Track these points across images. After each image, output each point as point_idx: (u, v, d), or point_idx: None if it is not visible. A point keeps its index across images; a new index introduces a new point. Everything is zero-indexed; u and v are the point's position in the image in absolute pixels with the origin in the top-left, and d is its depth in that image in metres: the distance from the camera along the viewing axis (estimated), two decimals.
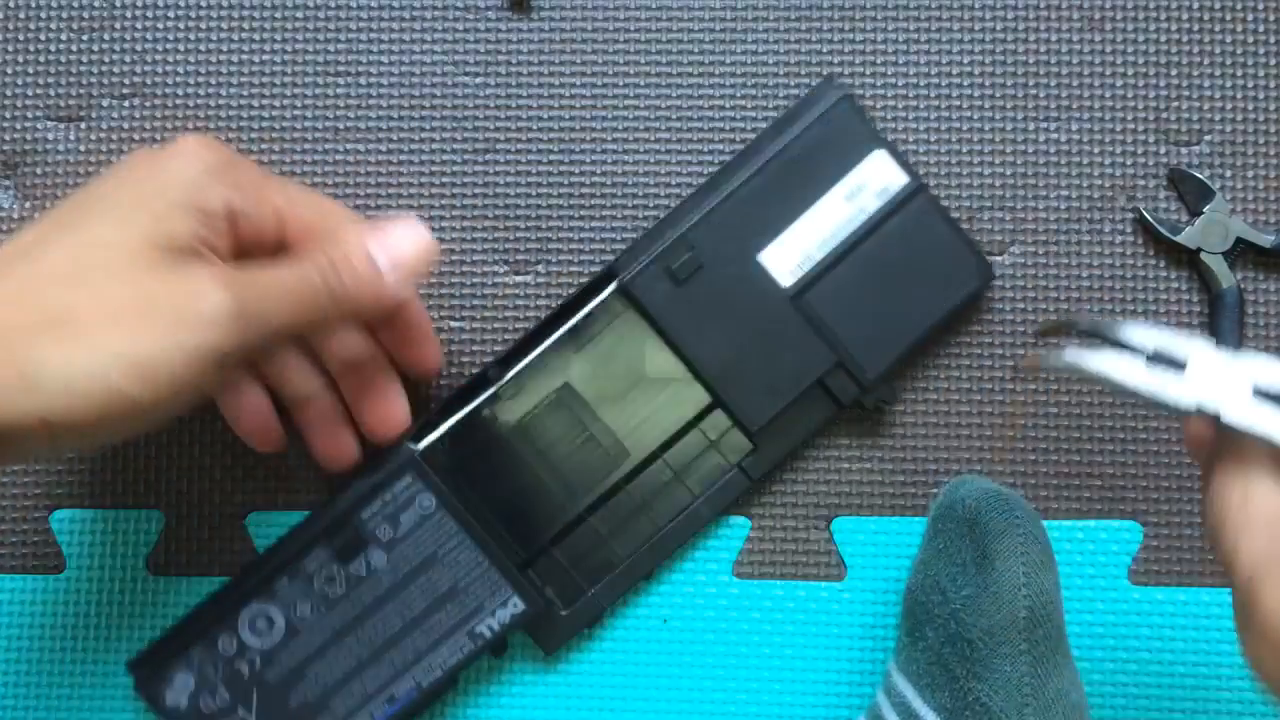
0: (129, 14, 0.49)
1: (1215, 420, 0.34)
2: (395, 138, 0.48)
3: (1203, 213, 0.47)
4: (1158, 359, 0.35)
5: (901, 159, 0.45)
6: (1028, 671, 0.40)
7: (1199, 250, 0.47)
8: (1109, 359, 0.35)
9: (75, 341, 0.33)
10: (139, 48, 0.49)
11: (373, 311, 0.39)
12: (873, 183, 0.45)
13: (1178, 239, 0.47)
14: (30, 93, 0.49)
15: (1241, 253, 0.47)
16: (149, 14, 0.49)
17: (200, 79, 0.48)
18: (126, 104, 0.48)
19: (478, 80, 0.48)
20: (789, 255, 0.44)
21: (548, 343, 0.45)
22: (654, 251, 0.44)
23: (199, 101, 0.48)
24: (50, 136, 0.48)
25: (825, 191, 0.44)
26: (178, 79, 0.49)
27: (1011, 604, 0.41)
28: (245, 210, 0.37)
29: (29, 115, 0.48)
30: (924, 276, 0.45)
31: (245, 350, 0.35)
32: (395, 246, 0.39)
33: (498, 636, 0.44)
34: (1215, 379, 0.34)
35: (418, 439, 0.45)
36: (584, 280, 0.47)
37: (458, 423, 0.45)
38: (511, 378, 0.45)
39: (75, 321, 0.33)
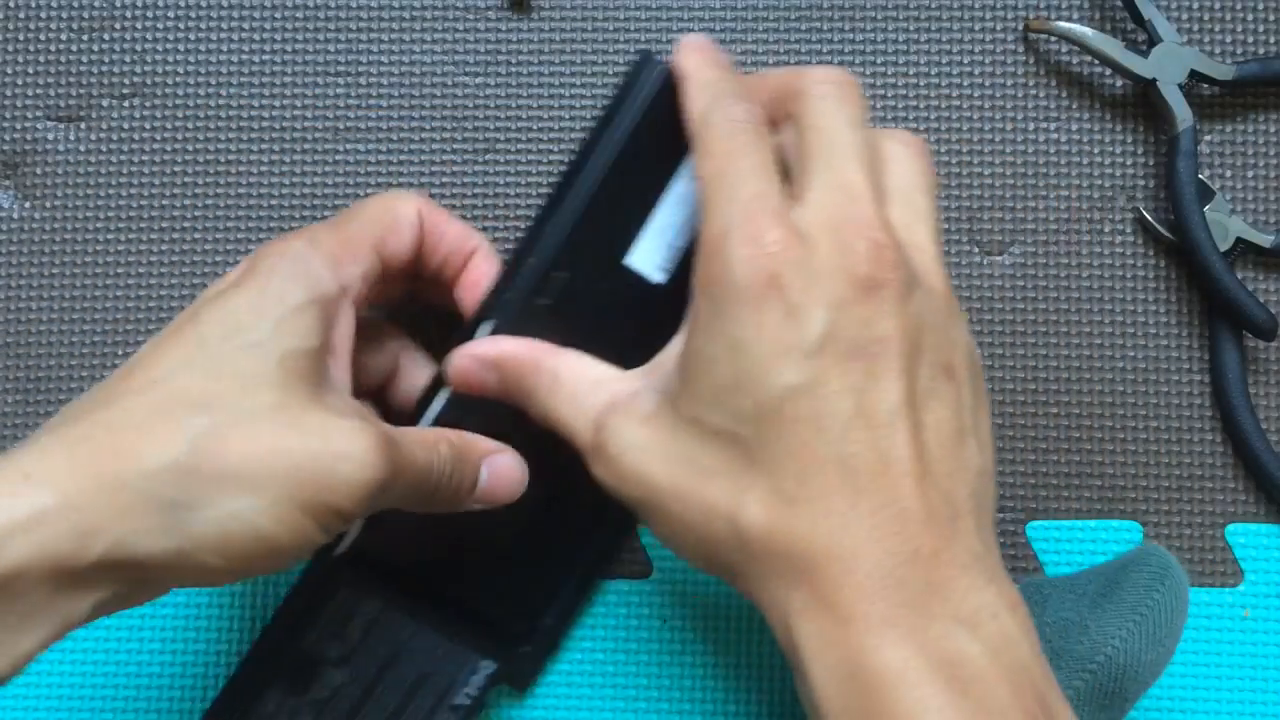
0: (129, 14, 0.49)
1: None
2: (395, 138, 0.48)
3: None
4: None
5: None
6: None
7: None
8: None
9: (229, 483, 0.31)
10: (139, 48, 0.49)
11: (435, 511, 0.38)
12: None
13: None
14: (30, 93, 0.49)
15: (1241, 253, 0.47)
16: (149, 14, 0.49)
17: (200, 79, 0.48)
18: (126, 104, 0.48)
19: (478, 80, 0.48)
20: (654, 251, 0.41)
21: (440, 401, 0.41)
22: (520, 289, 0.40)
23: (199, 101, 0.48)
24: (50, 136, 0.48)
25: (674, 175, 0.40)
26: (178, 79, 0.49)
27: (1095, 645, 0.40)
28: (354, 275, 0.37)
29: (29, 115, 0.48)
30: None
31: (370, 511, 0.35)
32: (498, 483, 0.39)
33: (478, 700, 0.43)
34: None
35: (336, 545, 0.41)
36: None
37: (374, 514, 0.41)
38: None
39: (225, 457, 0.32)
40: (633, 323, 0.40)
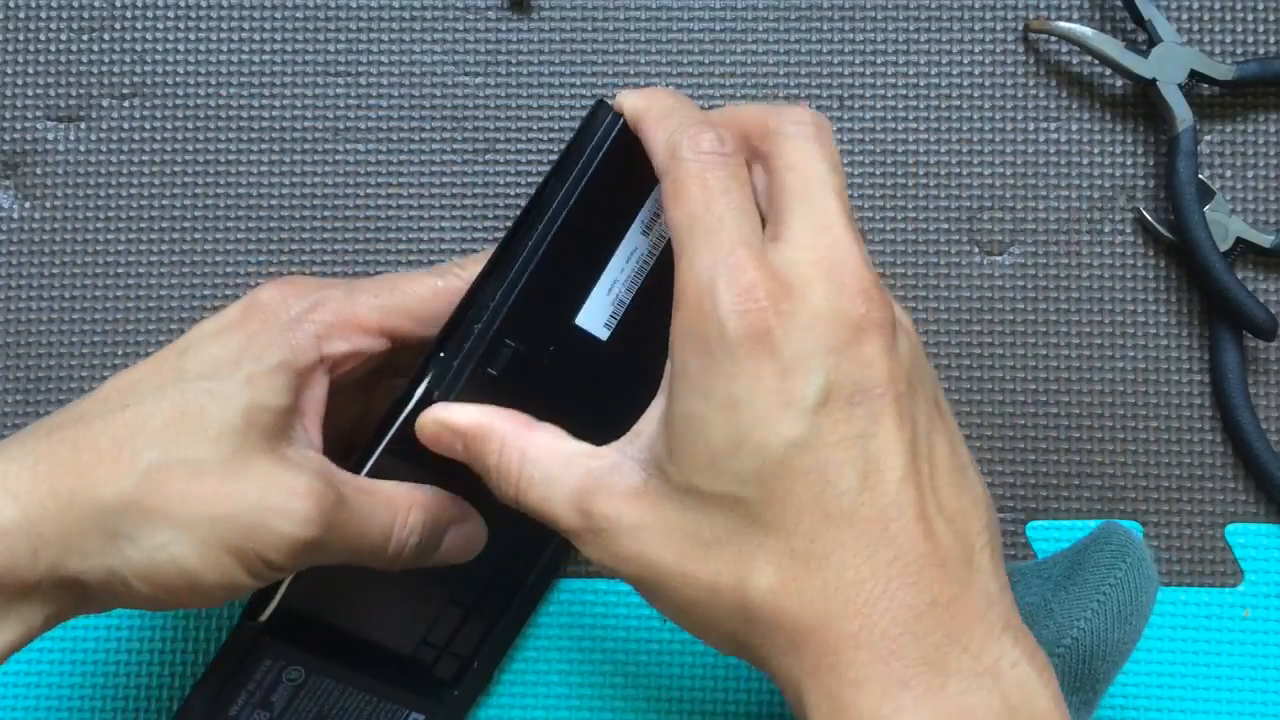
0: (129, 14, 0.49)
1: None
2: (395, 138, 0.48)
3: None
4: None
5: None
6: None
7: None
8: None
9: (164, 519, 0.33)
10: (139, 48, 0.49)
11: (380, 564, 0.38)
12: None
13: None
14: (30, 93, 0.49)
15: (1241, 253, 0.47)
16: (149, 14, 0.49)
17: (200, 79, 0.48)
18: (126, 104, 0.48)
19: (478, 80, 0.48)
20: (602, 307, 0.38)
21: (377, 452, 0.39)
22: (470, 355, 0.37)
23: (199, 101, 0.48)
24: (50, 136, 0.48)
25: (625, 230, 0.38)
26: (178, 79, 0.49)
27: (1061, 629, 0.39)
28: (340, 351, 0.37)
29: (29, 115, 0.48)
30: None
31: (308, 565, 0.36)
32: (456, 548, 0.39)
33: None
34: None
35: (257, 612, 0.39)
36: None
37: (294, 581, 0.39)
38: None
39: (167, 494, 0.33)
40: (581, 383, 0.38)
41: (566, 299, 0.37)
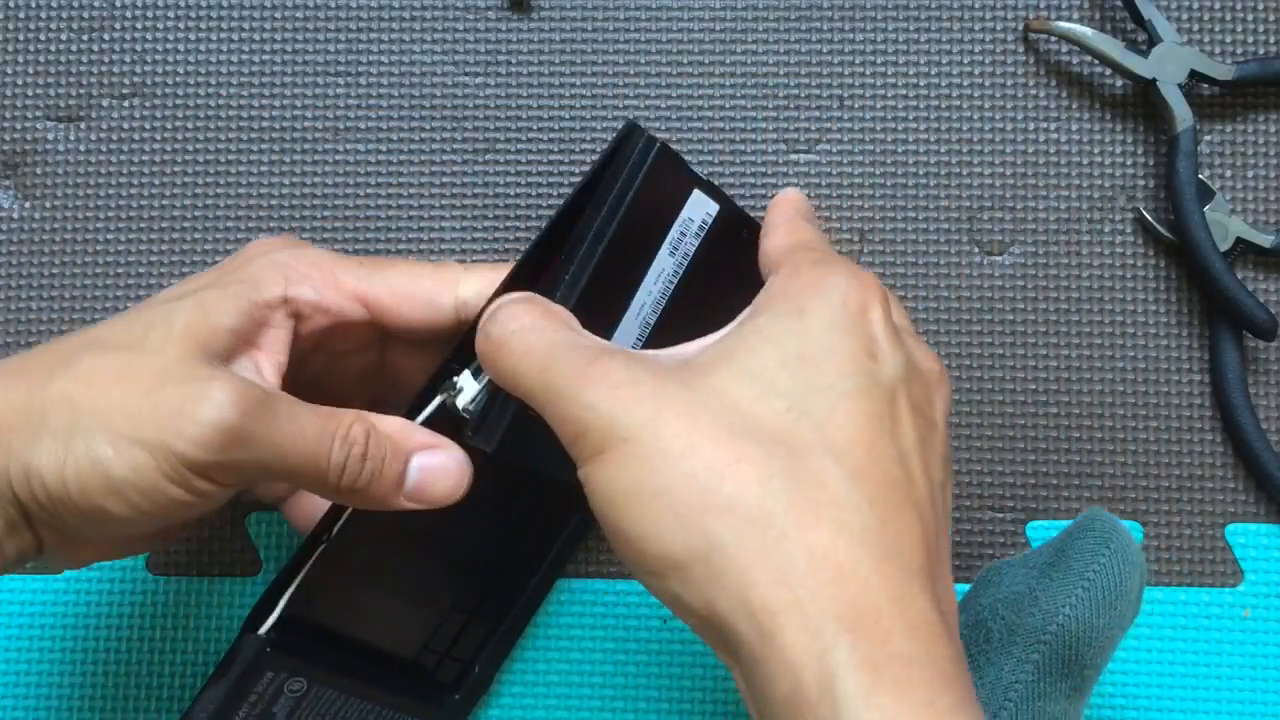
0: (129, 14, 0.49)
1: None
2: (395, 138, 0.48)
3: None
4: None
5: (710, 187, 0.40)
6: (1025, 680, 0.40)
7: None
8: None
9: (89, 415, 0.33)
10: (139, 48, 0.49)
11: (366, 506, 0.37)
12: (692, 225, 0.40)
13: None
14: (30, 93, 0.49)
15: (1241, 253, 0.47)
16: (149, 14, 0.49)
17: (200, 79, 0.48)
18: (126, 104, 0.48)
19: (478, 80, 0.48)
20: (630, 330, 0.39)
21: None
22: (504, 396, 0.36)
23: (199, 101, 0.48)
24: (50, 136, 0.48)
25: (655, 253, 0.39)
26: (178, 79, 0.49)
27: (1047, 616, 0.40)
28: (305, 297, 0.37)
29: (29, 115, 0.48)
30: (747, 282, 0.39)
31: (235, 476, 0.34)
32: (431, 481, 0.37)
33: None
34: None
35: (258, 624, 0.38)
36: None
37: (295, 590, 0.38)
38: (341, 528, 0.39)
39: (93, 394, 0.33)
40: None
41: (600, 326, 0.37)
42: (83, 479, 0.32)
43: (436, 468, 0.37)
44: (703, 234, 0.40)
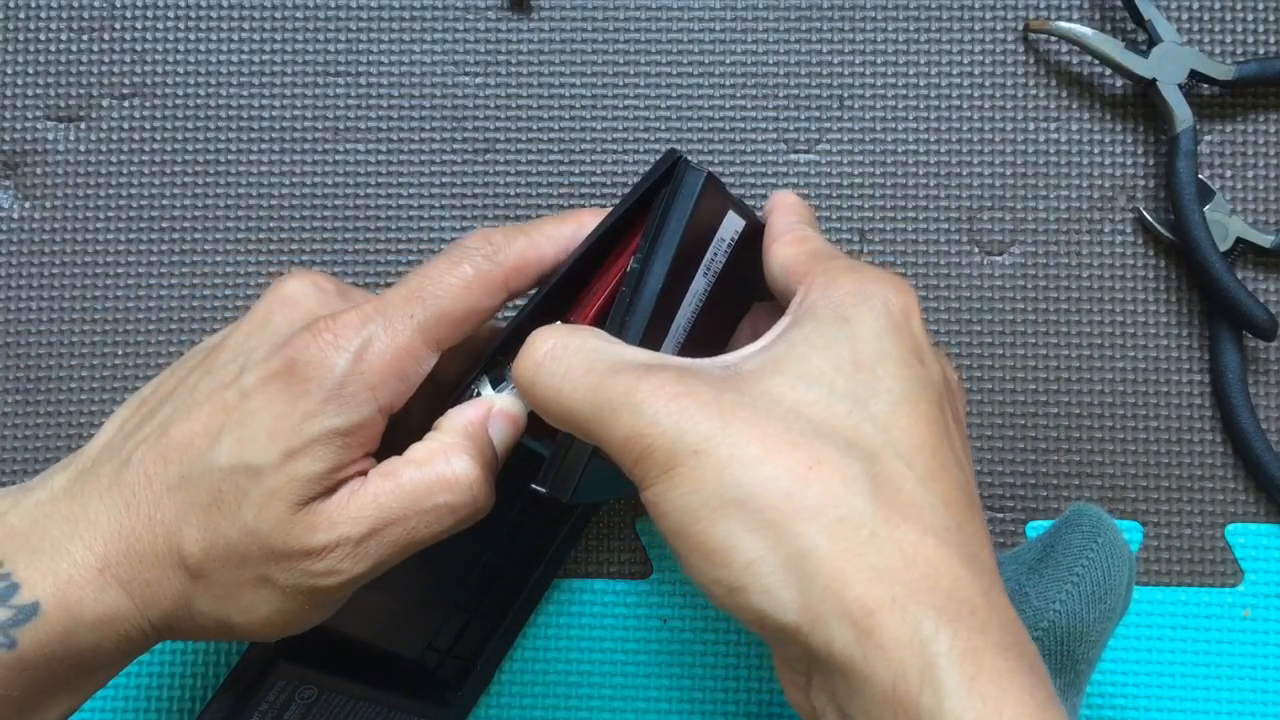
0: (129, 14, 0.49)
1: None
2: (395, 138, 0.48)
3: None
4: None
5: (739, 205, 0.40)
6: None
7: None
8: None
9: (225, 598, 0.35)
10: (139, 48, 0.49)
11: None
12: (723, 244, 0.40)
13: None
14: (30, 93, 0.49)
15: (1241, 253, 0.47)
16: (149, 14, 0.49)
17: (200, 79, 0.48)
18: (126, 104, 0.48)
19: (478, 80, 0.48)
20: (669, 349, 0.39)
21: None
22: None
23: (199, 101, 0.48)
24: (50, 136, 0.48)
25: (694, 278, 0.39)
26: (178, 79, 0.49)
27: (1038, 613, 0.40)
28: (398, 392, 0.35)
29: (29, 115, 0.48)
30: (748, 287, 0.41)
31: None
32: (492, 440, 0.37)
33: None
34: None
35: None
36: None
37: None
38: None
39: (219, 577, 0.34)
40: None
41: (656, 339, 0.37)
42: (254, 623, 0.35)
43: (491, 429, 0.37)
44: (730, 251, 0.40)
